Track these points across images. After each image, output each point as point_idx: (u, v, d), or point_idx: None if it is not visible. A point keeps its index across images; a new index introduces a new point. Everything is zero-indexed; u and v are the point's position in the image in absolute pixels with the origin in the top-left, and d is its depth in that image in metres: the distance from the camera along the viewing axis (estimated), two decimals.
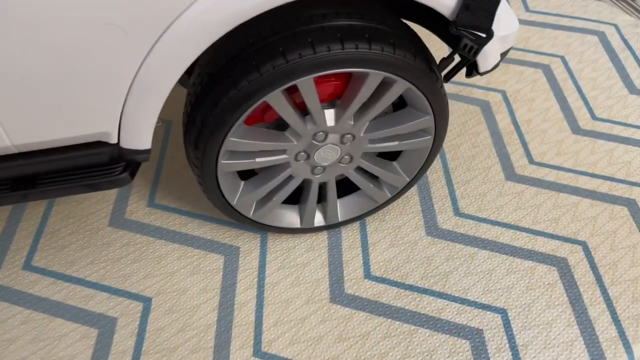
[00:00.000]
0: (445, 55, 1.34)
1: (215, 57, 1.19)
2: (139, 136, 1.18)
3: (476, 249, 1.59)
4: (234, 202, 1.41)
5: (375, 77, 1.19)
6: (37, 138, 1.12)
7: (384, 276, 1.53)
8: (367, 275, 1.53)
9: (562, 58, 2.19)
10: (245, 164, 1.31)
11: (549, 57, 2.19)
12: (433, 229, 1.63)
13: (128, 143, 1.19)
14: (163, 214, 1.63)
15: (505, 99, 2.02)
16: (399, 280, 1.52)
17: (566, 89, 2.07)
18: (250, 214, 1.46)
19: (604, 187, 1.75)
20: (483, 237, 1.62)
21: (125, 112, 1.13)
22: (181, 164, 1.76)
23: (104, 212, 1.62)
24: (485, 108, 1.98)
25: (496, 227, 1.64)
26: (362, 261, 1.56)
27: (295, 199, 1.57)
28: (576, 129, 1.93)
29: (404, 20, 1.59)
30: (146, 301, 1.45)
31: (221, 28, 1.02)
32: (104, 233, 1.58)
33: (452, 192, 1.73)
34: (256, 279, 1.51)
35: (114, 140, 1.19)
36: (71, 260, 1.52)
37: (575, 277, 1.55)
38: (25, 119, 1.07)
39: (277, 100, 1.18)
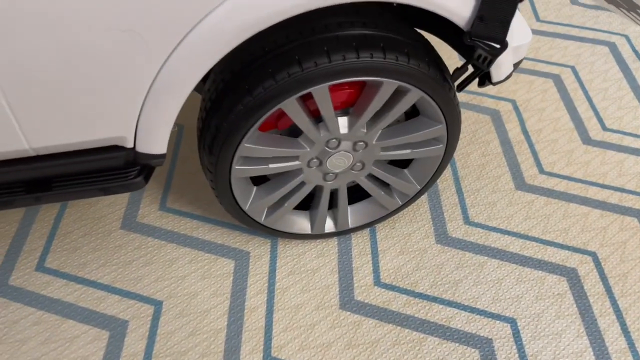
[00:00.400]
0: (459, 65, 1.35)
1: (230, 64, 1.21)
2: (155, 141, 1.20)
3: (486, 257, 1.59)
4: (246, 208, 1.42)
5: (389, 86, 1.20)
6: (55, 141, 1.14)
7: (394, 283, 1.53)
8: (377, 282, 1.53)
9: (573, 68, 2.20)
10: (258, 169, 1.33)
11: (560, 67, 2.20)
12: (443, 237, 1.64)
13: (144, 147, 1.21)
14: (174, 218, 1.64)
15: (516, 108, 2.02)
16: (409, 288, 1.52)
17: (576, 99, 2.07)
18: (262, 220, 1.47)
19: (614, 198, 1.75)
20: (493, 246, 1.62)
21: (142, 117, 1.14)
22: (193, 169, 1.77)
23: (116, 215, 1.64)
24: (496, 117, 1.98)
25: (506, 236, 1.65)
26: (372, 268, 1.56)
27: (306, 205, 1.58)
28: (586, 140, 1.93)
29: (418, 30, 1.60)
30: (157, 304, 1.46)
31: (239, 36, 1.04)
32: (116, 236, 1.59)
33: (462, 201, 1.73)
34: (266, 284, 1.52)
35: (130, 145, 1.20)
36: (83, 262, 1.53)
37: (585, 287, 1.55)
38: (44, 122, 1.09)
39: (291, 107, 1.19)
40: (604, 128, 1.97)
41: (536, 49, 2.28)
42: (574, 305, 1.51)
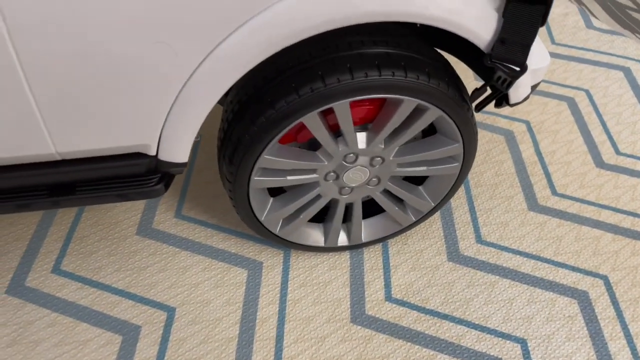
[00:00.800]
0: (476, 86, 1.37)
1: (254, 78, 1.23)
2: (178, 149, 1.22)
3: (497, 277, 1.60)
4: (262, 218, 1.44)
5: (409, 103, 1.22)
6: (81, 147, 1.17)
7: (405, 299, 1.54)
8: (388, 297, 1.54)
9: (587, 92, 2.21)
10: (276, 181, 1.34)
11: (574, 90, 2.21)
12: (455, 255, 1.65)
13: (166, 156, 1.23)
14: (190, 226, 1.66)
15: (530, 129, 2.04)
16: (420, 305, 1.53)
17: (590, 122, 2.09)
18: (277, 231, 1.49)
19: (626, 222, 1.76)
20: (504, 265, 1.63)
21: (167, 126, 1.17)
22: (209, 178, 1.80)
23: (132, 221, 1.66)
24: (510, 137, 2.00)
25: (518, 256, 1.65)
26: (383, 283, 1.57)
27: (320, 217, 1.60)
28: (600, 163, 1.94)
29: (437, 50, 1.63)
30: (170, 311, 1.48)
31: (266, 52, 1.06)
32: (131, 241, 1.61)
33: (474, 219, 1.74)
34: (278, 295, 1.53)
35: (153, 153, 1.23)
36: (99, 266, 1.55)
37: (596, 311, 1.55)
38: (72, 128, 1.12)
39: (312, 121, 1.21)
40: (618, 152, 1.98)
41: (551, 72, 2.30)
42: (585, 328, 1.51)
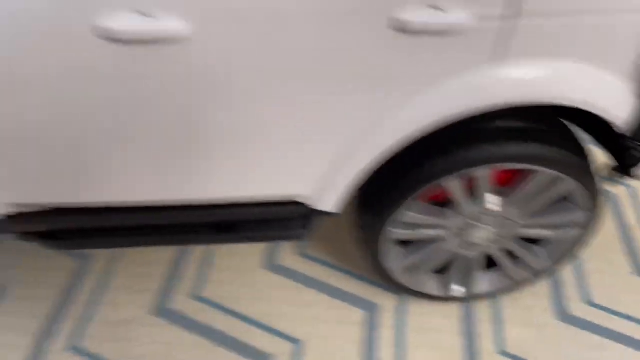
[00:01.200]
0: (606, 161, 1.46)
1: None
2: (332, 201, 1.37)
3: (608, 340, 1.64)
4: (387, 265, 1.56)
5: (546, 174, 1.33)
6: (251, 193, 1.33)
7: (516, 354, 1.61)
8: (500, 351, 1.61)
9: None
10: (408, 234, 1.47)
11: None
12: (562, 314, 1.70)
13: (321, 205, 1.38)
14: (312, 264, 1.80)
15: (634, 195, 2.08)
16: None
17: None
18: (398, 278, 1.60)
19: None
20: (614, 329, 1.67)
21: (325, 180, 1.32)
22: (331, 221, 1.94)
23: (259, 256, 1.82)
24: (614, 201, 2.05)
25: (627, 321, 1.69)
26: (493, 336, 1.65)
27: (439, 268, 1.70)
28: None
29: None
30: (296, 343, 1.61)
31: (429, 128, 1.20)
32: (259, 274, 1.77)
33: (581, 280, 1.80)
34: (393, 338, 1.63)
35: (310, 202, 1.38)
36: (232, 295, 1.71)
37: None
38: (250, 177, 1.28)
39: (453, 184, 1.33)
40: None
41: None
42: None
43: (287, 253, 1.83)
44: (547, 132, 1.31)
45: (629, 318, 1.70)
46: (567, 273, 1.81)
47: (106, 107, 1.10)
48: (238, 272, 1.77)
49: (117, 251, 1.81)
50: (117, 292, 1.71)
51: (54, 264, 1.78)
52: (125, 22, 0.97)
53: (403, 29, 1.03)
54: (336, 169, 1.30)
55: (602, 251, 1.88)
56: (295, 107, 1.14)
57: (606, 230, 1.95)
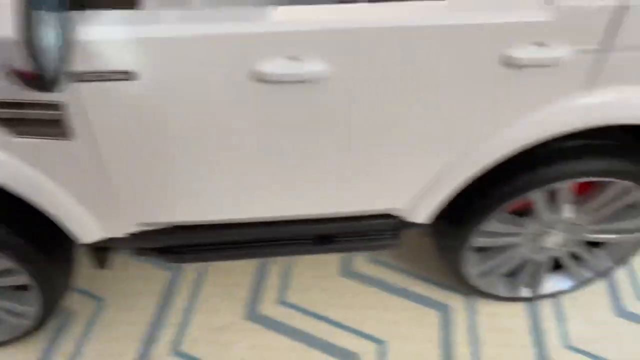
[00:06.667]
0: None
1: None
2: (426, 213, 1.50)
3: None
4: (464, 270, 1.70)
5: (620, 185, 1.47)
6: (353, 208, 1.47)
7: (580, 348, 1.75)
8: (566, 345, 1.76)
9: None
10: (489, 241, 1.61)
11: None
12: (620, 310, 1.85)
13: (412, 217, 1.52)
14: (385, 270, 1.94)
15: None
16: (598, 355, 1.74)
17: None
18: (473, 281, 1.74)
19: None
20: None
21: (423, 194, 1.45)
22: None
23: (336, 263, 1.95)
24: None
25: None
26: (559, 332, 1.79)
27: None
28: None
29: None
30: (380, 343, 1.75)
31: (515, 148, 1.34)
32: (337, 280, 1.90)
33: (634, 279, 1.94)
34: (467, 336, 1.77)
35: (402, 215, 1.52)
36: (315, 300, 1.84)
37: None
38: (361, 194, 1.42)
39: (538, 196, 1.48)
40: None
41: None
42: None
43: (361, 260, 1.97)
44: (620, 146, 1.45)
45: None
46: (620, 272, 1.96)
47: (251, 137, 1.23)
48: (318, 279, 1.91)
49: (207, 262, 1.94)
50: (210, 300, 1.84)
51: (148, 275, 1.90)
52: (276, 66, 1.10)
53: (512, 64, 1.17)
54: (434, 185, 1.43)
55: None
56: (411, 133, 1.28)
57: None
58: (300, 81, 1.14)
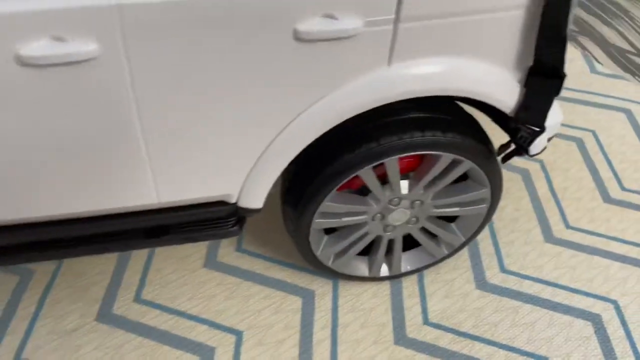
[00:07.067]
0: (504, 142, 1.62)
1: (319, 140, 1.48)
2: (256, 198, 1.47)
3: (520, 302, 1.82)
4: (318, 253, 1.67)
5: (446, 158, 1.47)
6: (179, 197, 1.41)
7: (441, 323, 1.76)
8: (426, 321, 1.77)
9: (593, 132, 2.46)
10: (333, 222, 1.59)
11: (582, 131, 2.46)
12: (482, 283, 1.87)
13: (245, 203, 1.48)
14: (249, 258, 1.90)
15: (543, 168, 2.28)
16: (454, 328, 1.75)
17: (597, 161, 2.33)
18: (330, 263, 1.72)
19: (633, 252, 1.98)
20: (526, 292, 1.85)
21: (248, 179, 1.42)
22: (263, 215, 2.04)
23: (199, 255, 1.90)
24: (526, 176, 2.24)
25: (538, 284, 1.88)
26: (420, 309, 1.80)
27: (365, 251, 1.83)
28: (607, 198, 2.17)
29: (470, 107, 1.88)
30: (238, 334, 1.71)
31: (334, 121, 1.32)
32: (200, 273, 1.85)
33: (497, 251, 1.97)
34: (330, 320, 1.76)
35: (234, 201, 1.47)
36: (174, 295, 1.79)
37: (608, 332, 1.76)
38: (177, 182, 1.36)
39: (366, 174, 1.46)
40: (623, 188, 2.22)
41: None
42: (599, 348, 1.72)
43: (226, 250, 1.92)
44: (445, 120, 1.45)
45: (539, 281, 1.89)
46: (487, 245, 1.99)
47: (28, 129, 1.15)
48: (180, 272, 1.85)
49: (57, 263, 1.85)
50: (61, 303, 1.75)
51: None
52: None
53: (302, 39, 1.14)
54: (259, 169, 1.39)
55: (519, 223, 2.06)
56: (213, 115, 1.24)
57: (522, 204, 2.13)
58: (68, 63, 1.07)
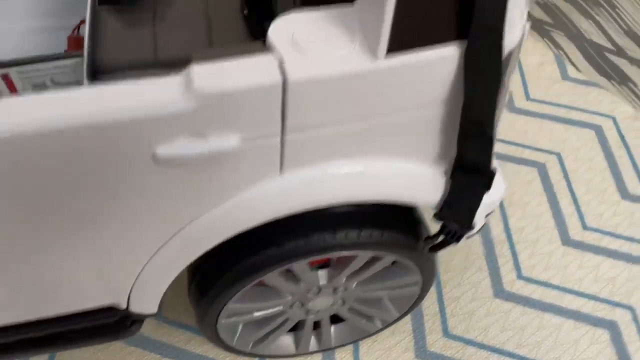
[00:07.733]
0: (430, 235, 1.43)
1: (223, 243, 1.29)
2: (148, 304, 1.30)
3: None
4: (232, 344, 1.52)
5: (364, 255, 1.29)
6: (63, 310, 1.26)
7: None
8: None
9: (558, 155, 2.26)
10: (243, 319, 1.42)
11: (545, 155, 2.26)
12: (422, 352, 1.74)
13: (138, 309, 1.31)
14: (170, 329, 1.75)
15: (501, 203, 2.09)
16: None
17: (560, 191, 2.14)
18: (249, 349, 1.58)
19: (587, 307, 1.84)
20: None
21: (135, 288, 1.25)
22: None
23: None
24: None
25: (482, 350, 1.74)
26: None
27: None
28: (566, 240, 2.01)
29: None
30: None
31: (226, 234, 1.13)
32: (119, 349, 1.71)
33: (442, 310, 1.82)
34: None
35: (124, 307, 1.31)
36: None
37: None
38: (56, 299, 1.20)
39: (273, 278, 1.28)
40: (584, 227, 2.04)
41: (524, 132, 2.34)
42: None
43: (151, 324, 1.77)
44: (359, 214, 1.25)
45: (484, 347, 1.75)
46: (431, 303, 1.83)
47: None
48: (97, 351, 1.71)
49: None
50: None
51: None
52: None
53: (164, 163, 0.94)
54: (142, 280, 1.22)
55: (467, 273, 1.90)
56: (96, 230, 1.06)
57: (473, 249, 1.96)
58: None
